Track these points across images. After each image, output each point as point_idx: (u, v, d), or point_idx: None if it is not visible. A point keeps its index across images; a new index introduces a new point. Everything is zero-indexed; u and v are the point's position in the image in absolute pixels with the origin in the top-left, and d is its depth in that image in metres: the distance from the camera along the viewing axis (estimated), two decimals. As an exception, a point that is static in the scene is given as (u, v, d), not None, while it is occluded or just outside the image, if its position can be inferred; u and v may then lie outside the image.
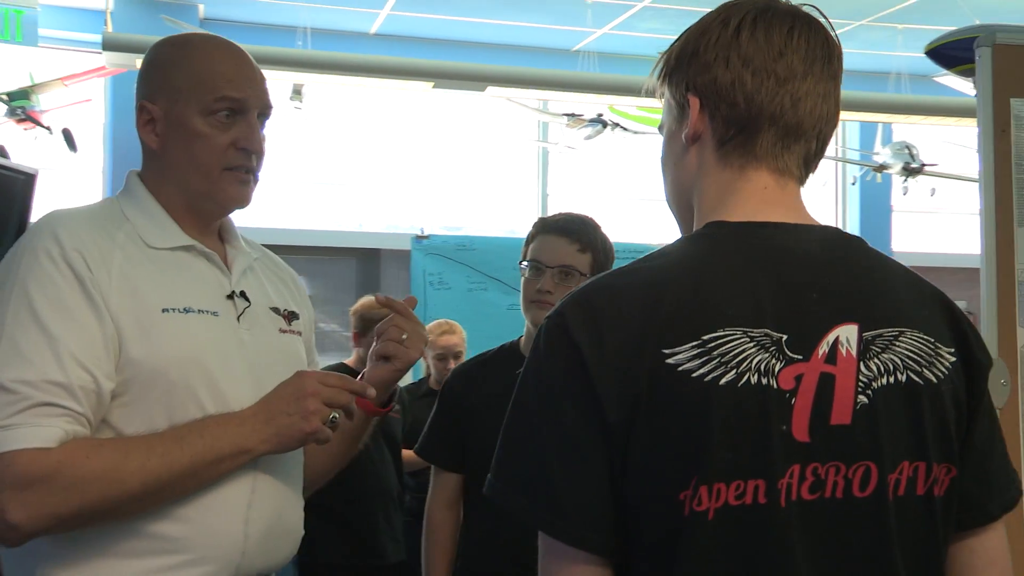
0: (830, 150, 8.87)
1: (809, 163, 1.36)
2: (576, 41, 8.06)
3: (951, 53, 5.26)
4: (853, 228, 9.31)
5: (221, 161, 1.75)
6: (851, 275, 1.28)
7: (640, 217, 8.74)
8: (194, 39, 1.84)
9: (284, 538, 1.79)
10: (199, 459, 1.60)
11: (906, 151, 7.54)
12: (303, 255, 7.72)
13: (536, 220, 2.87)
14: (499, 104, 7.97)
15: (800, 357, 1.20)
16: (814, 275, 1.26)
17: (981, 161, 2.50)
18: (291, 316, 1.91)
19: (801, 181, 1.35)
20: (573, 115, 7.23)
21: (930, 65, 8.07)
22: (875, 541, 1.21)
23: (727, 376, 1.17)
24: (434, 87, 5.65)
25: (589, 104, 7.10)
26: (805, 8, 1.36)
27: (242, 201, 1.80)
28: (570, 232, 2.76)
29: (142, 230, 1.73)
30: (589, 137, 7.38)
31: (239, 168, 1.77)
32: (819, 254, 1.29)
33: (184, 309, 1.69)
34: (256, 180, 1.82)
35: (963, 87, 7.14)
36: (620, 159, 8.64)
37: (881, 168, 7.75)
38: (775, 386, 1.19)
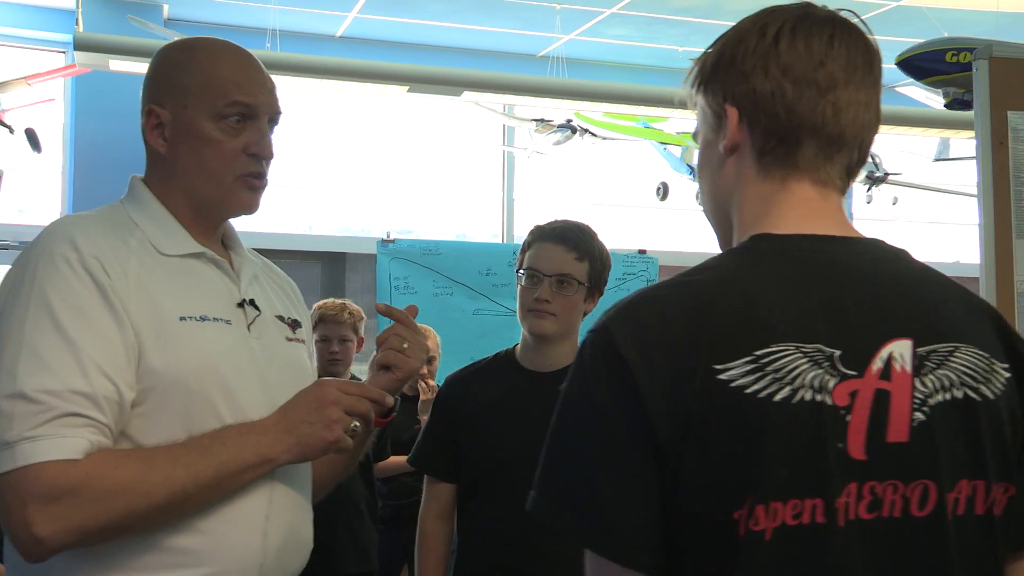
0: None
1: (851, 173, 1.33)
2: (542, 46, 8.06)
3: (921, 64, 5.34)
4: None
5: (232, 167, 1.72)
6: (901, 289, 1.26)
7: (604, 223, 8.78)
8: (202, 42, 1.80)
9: (298, 550, 1.76)
10: (224, 469, 1.57)
11: (870, 160, 7.64)
12: (267, 259, 7.64)
13: (532, 228, 2.85)
14: (465, 109, 7.95)
15: (854, 373, 1.18)
16: (864, 289, 1.24)
17: (979, 173, 2.52)
18: (294, 324, 1.89)
19: (842, 192, 1.33)
20: (543, 120, 7.24)
21: (893, 75, 8.15)
22: (934, 562, 1.19)
23: (781, 393, 1.14)
24: (409, 91, 5.62)
25: (559, 110, 7.11)
26: (843, 14, 1.32)
27: (251, 208, 1.77)
28: (567, 240, 2.73)
29: (152, 236, 1.70)
30: (558, 143, 7.40)
31: (250, 175, 1.74)
32: (867, 268, 1.26)
33: (200, 317, 1.66)
34: (264, 186, 1.79)
35: (928, 98, 7.23)
36: (584, 165, 8.67)
37: (844, 177, 7.83)
38: (829, 403, 1.16)
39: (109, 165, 7.31)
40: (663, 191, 8.00)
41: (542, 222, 2.88)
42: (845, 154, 1.30)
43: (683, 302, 1.20)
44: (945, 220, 9.79)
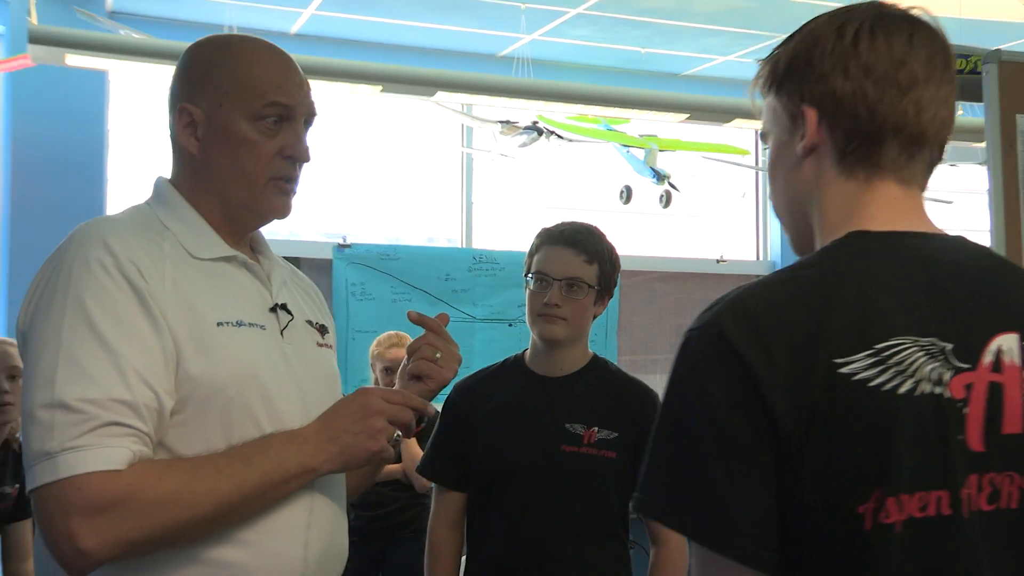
0: (752, 162, 8.88)
1: (931, 170, 1.37)
2: (504, 46, 8.06)
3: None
4: (776, 237, 9.55)
5: (267, 170, 1.71)
6: (999, 284, 1.30)
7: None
8: (235, 40, 1.80)
9: (337, 560, 1.77)
10: (267, 479, 1.57)
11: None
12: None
13: (540, 230, 2.85)
14: (422, 110, 7.92)
15: (967, 366, 1.21)
16: (966, 284, 1.27)
17: (990, 177, 2.56)
18: (323, 330, 1.89)
19: (923, 189, 1.37)
20: (508, 122, 7.23)
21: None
22: None
23: (905, 386, 1.17)
24: (382, 91, 5.58)
25: (524, 111, 7.11)
26: (915, 12, 1.36)
27: (283, 212, 1.77)
28: (576, 243, 2.74)
29: (184, 240, 1.69)
30: (524, 144, 7.39)
31: (283, 178, 1.74)
32: (965, 263, 1.30)
33: (237, 323, 1.65)
34: (295, 191, 1.79)
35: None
36: (544, 168, 8.68)
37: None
38: (947, 395, 1.19)
39: (48, 164, 7.15)
40: (626, 194, 8.04)
41: (549, 224, 2.86)
42: (926, 152, 1.34)
43: (796, 296, 1.22)
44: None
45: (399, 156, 8.53)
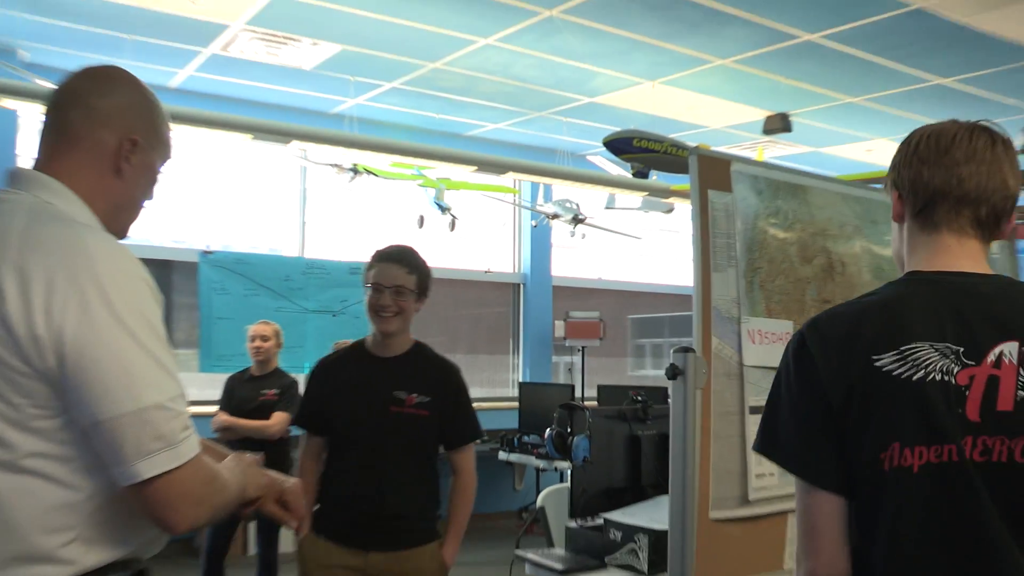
0: (513, 199, 9.16)
1: (985, 224, 1.37)
2: (335, 106, 8.08)
3: (618, 146, 5.96)
4: (527, 255, 9.71)
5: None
6: (1015, 307, 1.31)
7: (373, 244, 8.76)
8: (153, 94, 1.60)
9: None
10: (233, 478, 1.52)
11: (572, 205, 8.20)
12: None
13: (374, 252, 2.96)
14: (266, 151, 7.82)
15: (972, 363, 1.25)
16: (984, 307, 1.30)
17: (693, 227, 2.89)
18: None
19: (978, 239, 1.38)
20: (337, 165, 7.30)
21: (586, 147, 8.76)
22: None
23: (918, 374, 1.24)
24: (253, 139, 5.55)
25: (348, 157, 7.20)
26: (962, 121, 1.38)
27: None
28: (401, 259, 2.88)
29: None
30: (351, 180, 7.47)
31: None
32: (990, 293, 1.32)
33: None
34: None
35: (610, 166, 7.88)
36: (361, 197, 8.75)
37: (554, 216, 8.36)
38: (954, 383, 1.24)
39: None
40: (421, 221, 8.25)
41: (380, 245, 3.01)
42: (970, 211, 1.36)
43: (852, 313, 1.33)
44: (612, 250, 10.49)
45: (251, 185, 8.41)
